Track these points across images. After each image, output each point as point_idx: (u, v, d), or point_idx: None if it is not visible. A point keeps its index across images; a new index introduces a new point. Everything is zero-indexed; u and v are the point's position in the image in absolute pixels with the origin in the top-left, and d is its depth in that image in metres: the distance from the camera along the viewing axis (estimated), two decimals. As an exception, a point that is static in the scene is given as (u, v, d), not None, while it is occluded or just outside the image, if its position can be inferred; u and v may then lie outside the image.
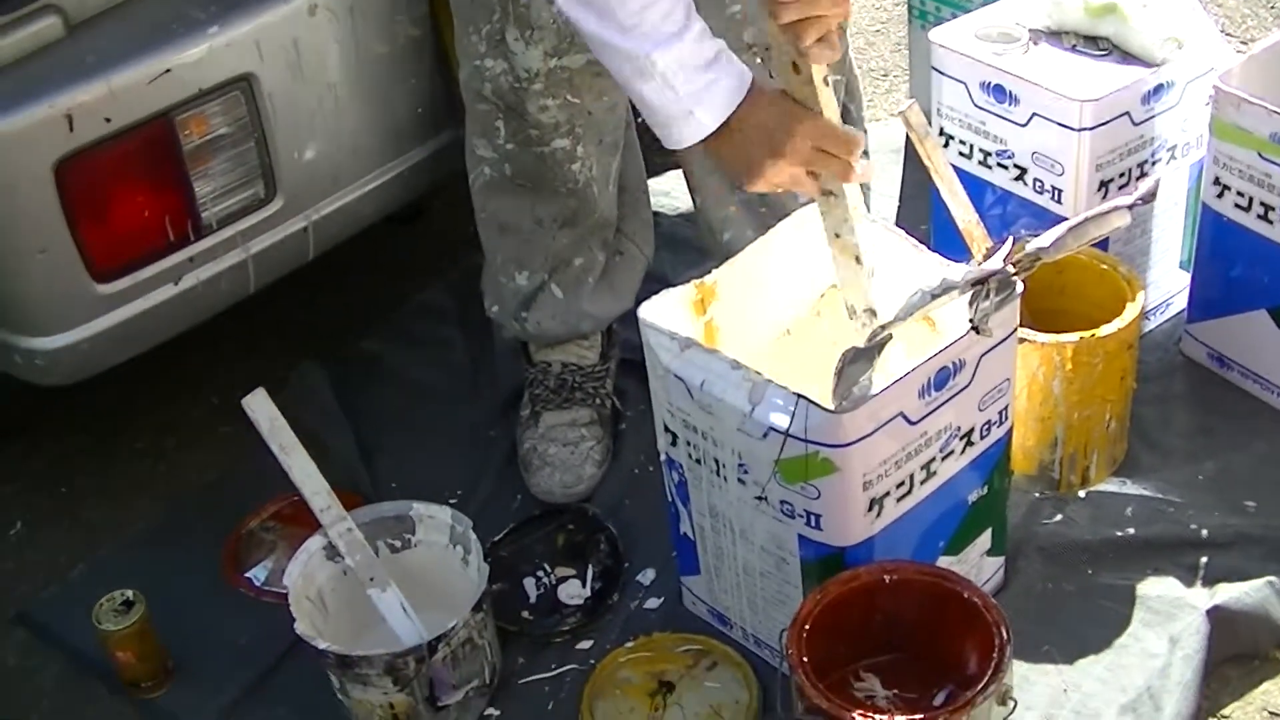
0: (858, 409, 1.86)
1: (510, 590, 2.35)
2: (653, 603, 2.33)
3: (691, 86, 1.89)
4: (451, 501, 2.47)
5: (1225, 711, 2.15)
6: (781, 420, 1.91)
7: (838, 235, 2.00)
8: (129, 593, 2.22)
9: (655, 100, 1.90)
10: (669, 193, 3.05)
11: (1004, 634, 1.90)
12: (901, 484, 2.00)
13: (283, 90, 2.26)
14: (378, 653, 2.06)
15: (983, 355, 2.00)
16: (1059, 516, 2.38)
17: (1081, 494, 2.41)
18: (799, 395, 1.90)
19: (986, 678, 1.85)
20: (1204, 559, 2.30)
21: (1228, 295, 2.51)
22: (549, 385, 2.53)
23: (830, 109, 1.94)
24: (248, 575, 2.42)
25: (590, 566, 2.37)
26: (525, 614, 2.32)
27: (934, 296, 1.77)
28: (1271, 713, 2.15)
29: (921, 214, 2.78)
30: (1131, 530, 2.35)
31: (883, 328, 1.81)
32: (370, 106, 2.39)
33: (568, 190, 2.37)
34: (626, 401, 2.64)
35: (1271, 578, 2.23)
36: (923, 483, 2.03)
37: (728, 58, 1.92)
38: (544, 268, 2.45)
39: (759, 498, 2.02)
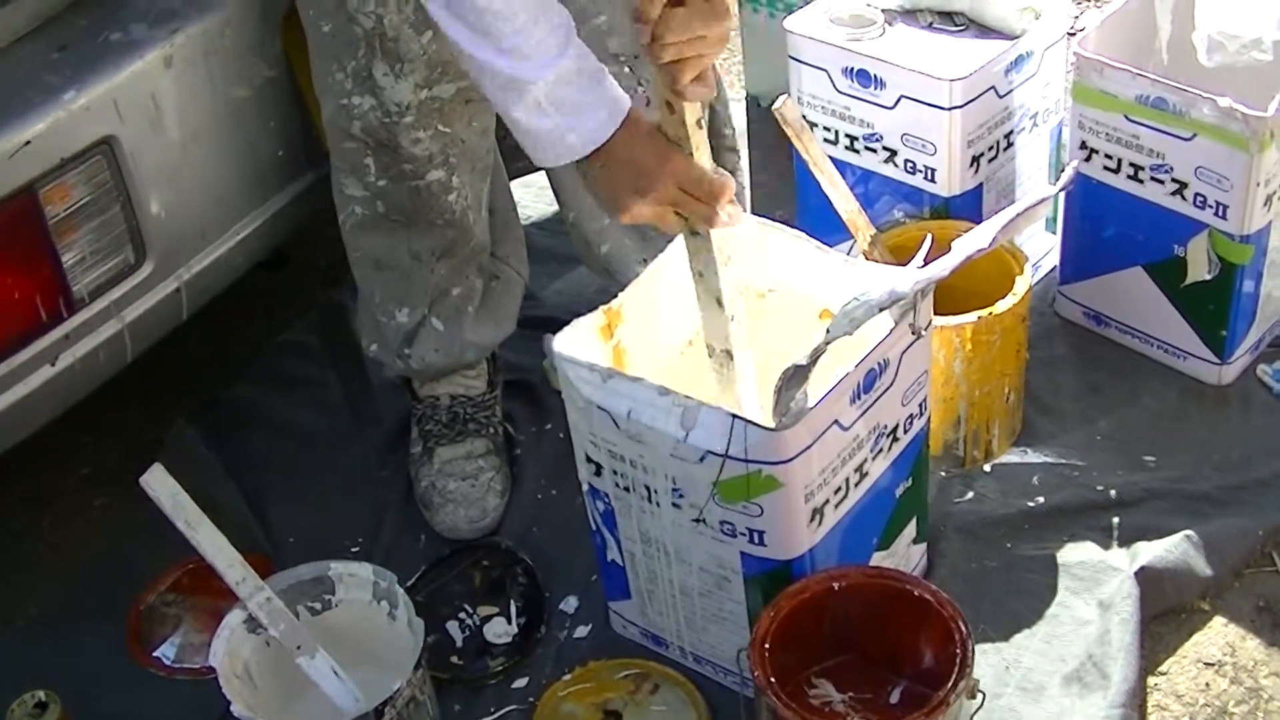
0: (797, 424, 1.85)
1: (434, 636, 2.28)
2: (581, 631, 2.29)
3: (565, 111, 1.82)
4: (354, 550, 2.43)
5: (1162, 668, 2.19)
6: (718, 442, 1.88)
7: (701, 275, 1.97)
8: (40, 693, 2.10)
9: (527, 123, 1.83)
10: (518, 201, 2.99)
11: (963, 628, 1.90)
12: (839, 489, 1.99)
13: (145, 149, 2.16)
14: None
15: (904, 352, 2.00)
16: (970, 494, 2.40)
17: (987, 468, 2.44)
18: (734, 416, 1.87)
19: (955, 674, 1.86)
20: (1116, 519, 2.34)
21: (1102, 255, 2.54)
22: (440, 420, 2.47)
23: (702, 150, 1.88)
24: (156, 654, 2.32)
25: (512, 602, 2.32)
26: (454, 659, 2.26)
27: (882, 307, 1.76)
28: (1206, 663, 2.19)
29: (780, 199, 2.77)
30: (1041, 499, 2.38)
31: (825, 342, 1.79)
32: (233, 154, 2.30)
33: (444, 221, 2.31)
34: (517, 425, 2.59)
35: (1187, 531, 2.28)
36: (857, 485, 2.02)
37: (609, 84, 1.86)
38: (424, 302, 2.39)
39: (696, 520, 1.99)
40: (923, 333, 1.97)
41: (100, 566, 2.48)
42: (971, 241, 1.81)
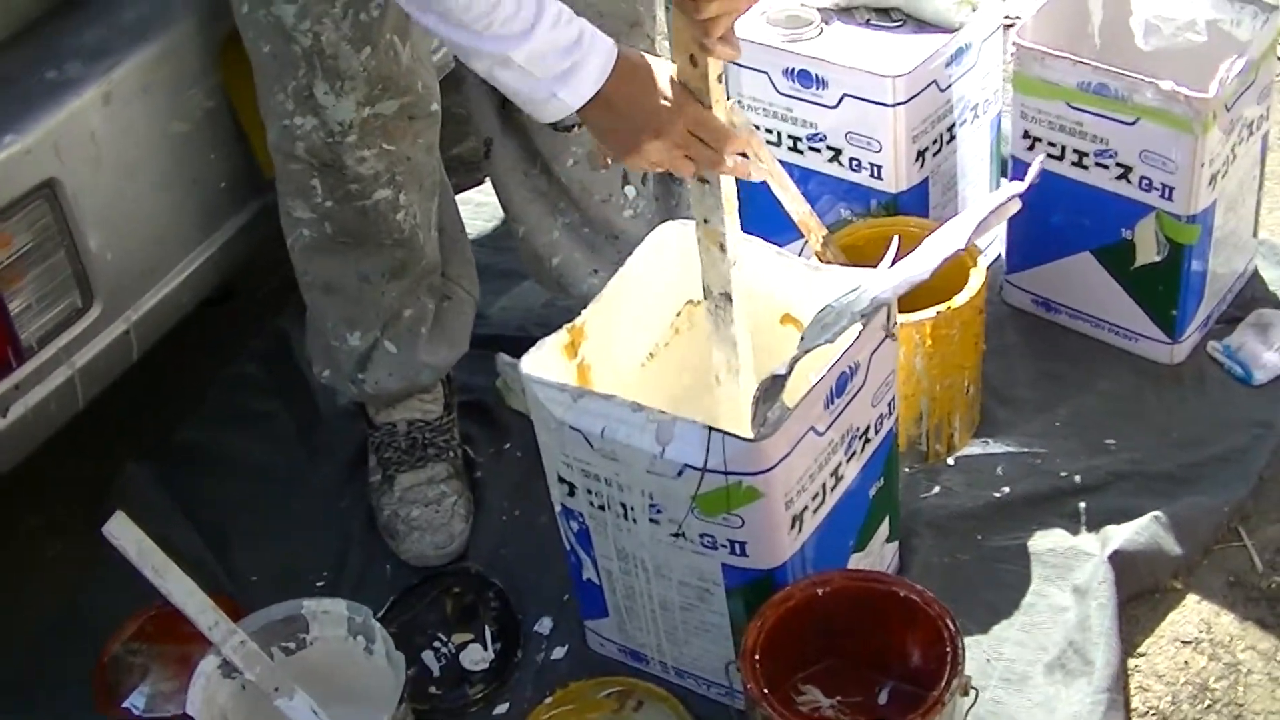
0: (775, 433, 1.84)
1: (411, 668, 2.24)
2: (558, 652, 2.26)
3: (551, 72, 1.85)
4: (320, 585, 2.39)
5: (1141, 649, 2.20)
6: (696, 456, 1.87)
7: (706, 221, 1.99)
8: (16, 761, 2.07)
9: (515, 86, 1.87)
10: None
11: (951, 625, 1.90)
12: (816, 495, 1.98)
13: (87, 190, 2.11)
14: None
15: (873, 353, 2.00)
16: (936, 488, 2.40)
17: (950, 461, 2.44)
18: (710, 429, 1.86)
19: (948, 672, 1.86)
20: (1083, 505, 2.35)
21: (1049, 242, 2.55)
22: (399, 446, 2.44)
23: (720, 104, 1.93)
24: (125, 704, 2.26)
25: (487, 627, 2.30)
26: (433, 689, 2.23)
27: (867, 314, 1.75)
28: (1183, 641, 2.21)
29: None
30: (1007, 489, 2.39)
31: (803, 351, 1.78)
32: (176, 189, 2.26)
33: (394, 241, 2.28)
34: (475, 447, 2.56)
35: (1155, 512, 2.29)
36: (833, 489, 2.02)
37: (590, 37, 1.87)
38: (376, 324, 2.36)
39: (676, 534, 1.98)
40: (894, 333, 1.97)
41: (59, 619, 2.41)
42: (948, 241, 1.81)
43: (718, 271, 2.05)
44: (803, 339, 1.85)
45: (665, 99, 1.90)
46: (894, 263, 1.88)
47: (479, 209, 2.96)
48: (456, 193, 2.61)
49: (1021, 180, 1.89)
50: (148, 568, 2.05)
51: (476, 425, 2.59)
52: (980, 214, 1.83)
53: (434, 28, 1.83)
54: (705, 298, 2.09)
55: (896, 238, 1.92)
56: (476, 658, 2.27)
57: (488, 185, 3.10)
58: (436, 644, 2.29)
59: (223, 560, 2.43)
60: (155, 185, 2.23)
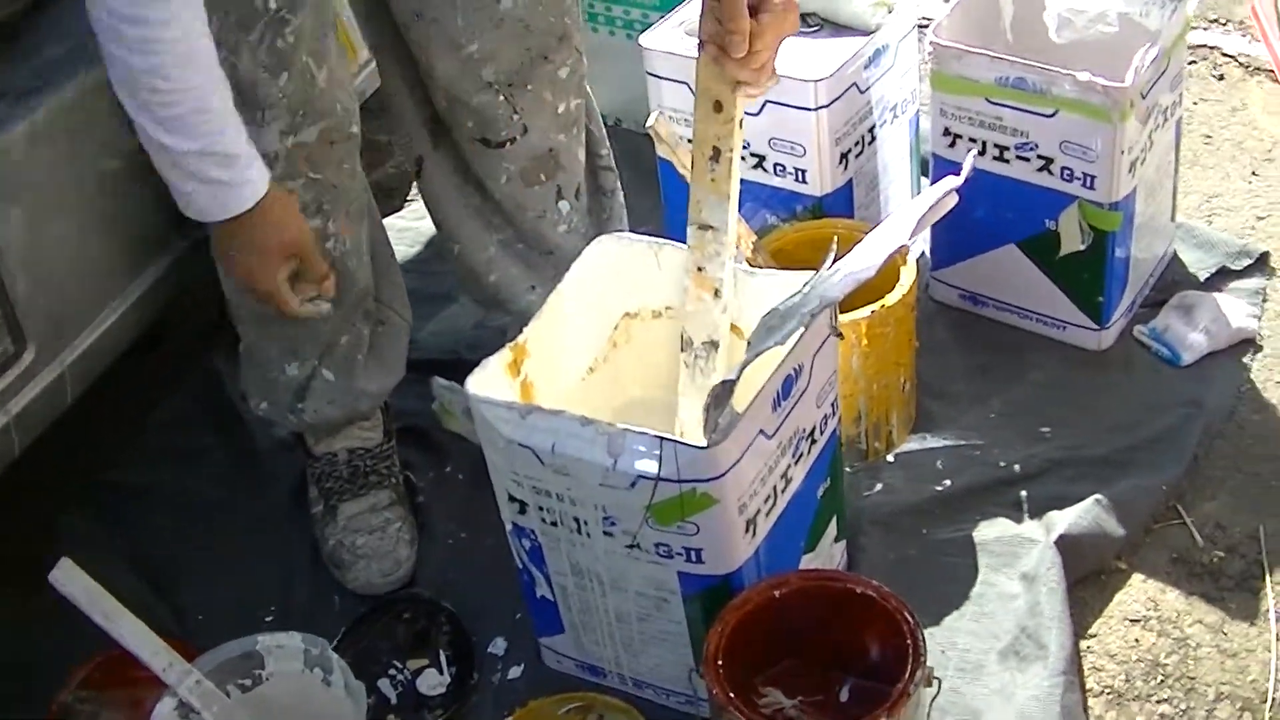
0: (727, 438, 1.85)
1: (369, 698, 2.23)
2: (514, 671, 2.26)
3: (205, 180, 1.94)
4: (268, 620, 2.37)
5: (1092, 630, 2.23)
6: (649, 466, 1.87)
7: (701, 269, 1.99)
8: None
9: (170, 181, 1.96)
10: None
11: (910, 618, 1.92)
12: (768, 498, 1.99)
13: (14, 232, 2.07)
14: None
15: (815, 354, 2.01)
16: (879, 485, 2.42)
17: (890, 458, 2.47)
18: (661, 438, 1.87)
19: (910, 664, 1.87)
20: (1024, 493, 2.38)
21: (973, 237, 2.59)
22: (340, 475, 2.42)
23: (737, 149, 2.03)
24: (79, 753, 2.25)
25: (441, 651, 2.29)
26: (391, 717, 2.22)
27: (815, 314, 1.76)
28: (1132, 620, 2.24)
29: (643, 216, 2.77)
30: (949, 482, 2.41)
31: (754, 355, 1.79)
32: (107, 228, 2.23)
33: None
34: (416, 472, 2.55)
35: (1096, 495, 2.33)
36: (783, 491, 2.03)
37: (249, 168, 1.96)
38: (314, 354, 2.35)
39: (630, 546, 1.98)
40: (839, 331, 1.98)
41: (4, 672, 2.36)
42: (890, 237, 1.83)
43: (706, 319, 2.06)
44: (750, 344, 1.86)
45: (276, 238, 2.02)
46: (834, 263, 1.90)
47: (401, 234, 2.95)
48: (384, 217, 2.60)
49: (956, 175, 1.91)
50: (98, 614, 2.03)
51: (416, 450, 2.58)
52: (920, 209, 1.85)
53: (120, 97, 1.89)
54: (683, 349, 2.10)
55: (835, 239, 1.93)
56: (433, 682, 2.26)
57: (409, 210, 3.13)
58: (392, 671, 2.27)
59: (168, 601, 2.40)
60: (85, 225, 2.20)
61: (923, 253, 2.74)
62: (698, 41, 1.98)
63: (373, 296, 2.40)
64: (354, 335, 2.37)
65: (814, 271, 1.93)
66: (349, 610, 2.36)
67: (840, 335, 1.94)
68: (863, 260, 1.81)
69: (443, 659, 2.28)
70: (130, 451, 2.68)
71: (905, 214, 1.88)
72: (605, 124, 2.52)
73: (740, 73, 1.95)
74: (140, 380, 2.69)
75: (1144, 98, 2.39)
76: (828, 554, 2.22)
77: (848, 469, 2.42)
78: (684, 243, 2.18)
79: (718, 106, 1.94)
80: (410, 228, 3.00)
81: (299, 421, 2.40)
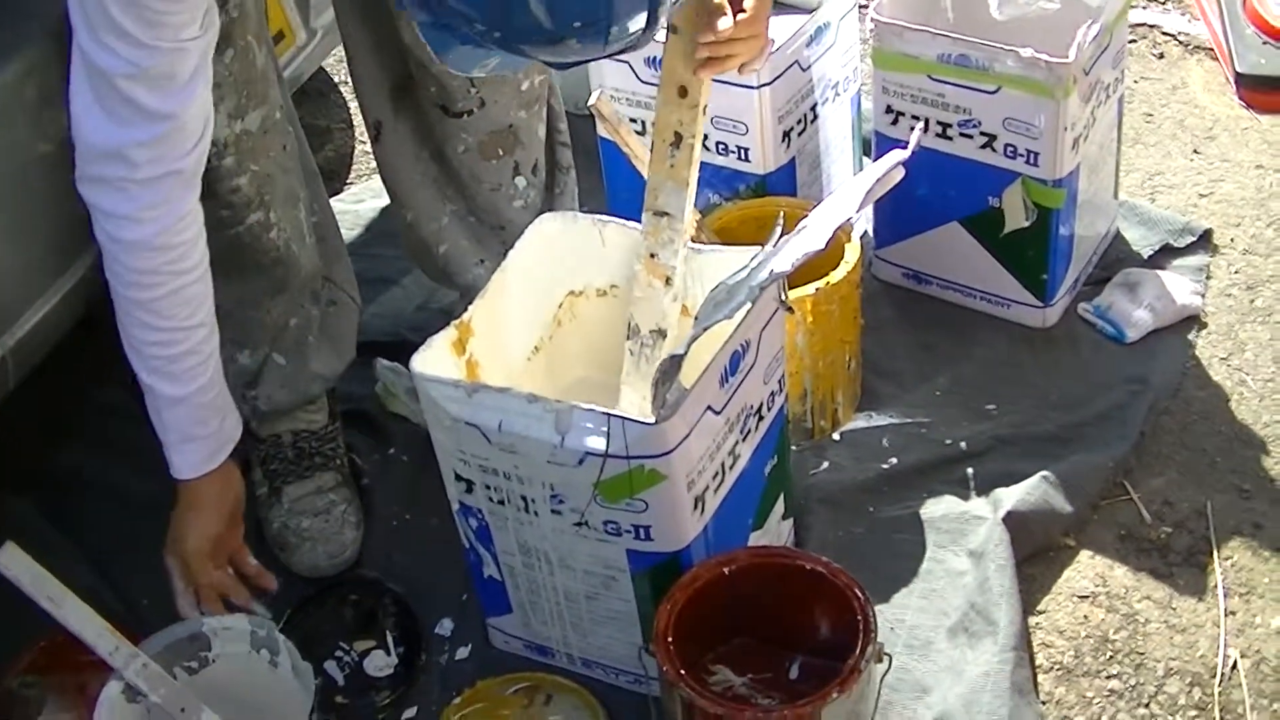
0: (675, 414, 1.84)
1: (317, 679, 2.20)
2: (462, 652, 2.24)
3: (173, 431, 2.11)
4: (213, 603, 2.35)
5: (1040, 607, 2.24)
6: (597, 442, 1.86)
7: (654, 255, 1.98)
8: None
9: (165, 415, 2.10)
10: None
11: (860, 594, 1.92)
12: (716, 475, 1.98)
13: (-51, 218, 2.05)
14: None
15: (763, 329, 2.01)
16: (825, 464, 2.42)
17: (836, 436, 2.46)
18: (609, 414, 1.85)
19: (861, 640, 1.87)
20: (970, 470, 2.38)
21: (916, 214, 2.58)
22: (285, 458, 2.40)
23: (698, 138, 2.02)
24: (22, 742, 2.22)
25: (388, 632, 2.27)
26: (339, 699, 2.21)
27: (764, 287, 1.75)
28: (1080, 596, 2.24)
29: (587, 194, 2.75)
30: (895, 460, 2.41)
31: (700, 329, 1.78)
32: (46, 211, 2.18)
33: (270, 261, 2.24)
34: (360, 454, 2.53)
35: (1044, 472, 2.33)
36: (731, 468, 2.02)
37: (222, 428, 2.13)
38: (265, 342, 2.33)
39: (579, 524, 1.97)
40: (788, 305, 1.97)
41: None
42: (838, 211, 1.82)
43: (654, 306, 2.05)
44: (697, 318, 1.84)
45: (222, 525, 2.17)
46: (780, 238, 1.89)
47: (341, 217, 2.88)
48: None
49: (904, 148, 1.90)
50: (42, 597, 2.00)
51: (359, 433, 2.56)
52: (867, 183, 1.84)
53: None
54: (629, 336, 2.08)
55: (781, 214, 1.93)
56: (380, 664, 2.24)
57: (348, 194, 3.10)
58: (339, 653, 2.26)
59: (112, 586, 2.37)
60: (24, 208, 2.16)
61: (865, 231, 2.74)
62: (667, 26, 1.96)
63: (322, 277, 2.38)
64: (303, 317, 2.35)
65: (760, 247, 1.92)
66: (293, 592, 2.33)
67: (790, 310, 1.93)
68: (811, 235, 1.80)
69: (390, 640, 2.26)
70: (73, 438, 2.64)
71: (852, 187, 1.87)
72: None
73: (703, 50, 1.94)
74: (80, 365, 2.66)
75: (1086, 74, 2.39)
76: (775, 531, 2.22)
77: (794, 447, 2.41)
78: (628, 221, 2.17)
79: (682, 92, 1.92)
80: (349, 210, 2.97)
81: (250, 410, 2.37)
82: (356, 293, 2.47)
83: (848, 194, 1.85)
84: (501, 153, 2.34)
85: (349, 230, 2.95)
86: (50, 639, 2.26)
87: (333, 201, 2.93)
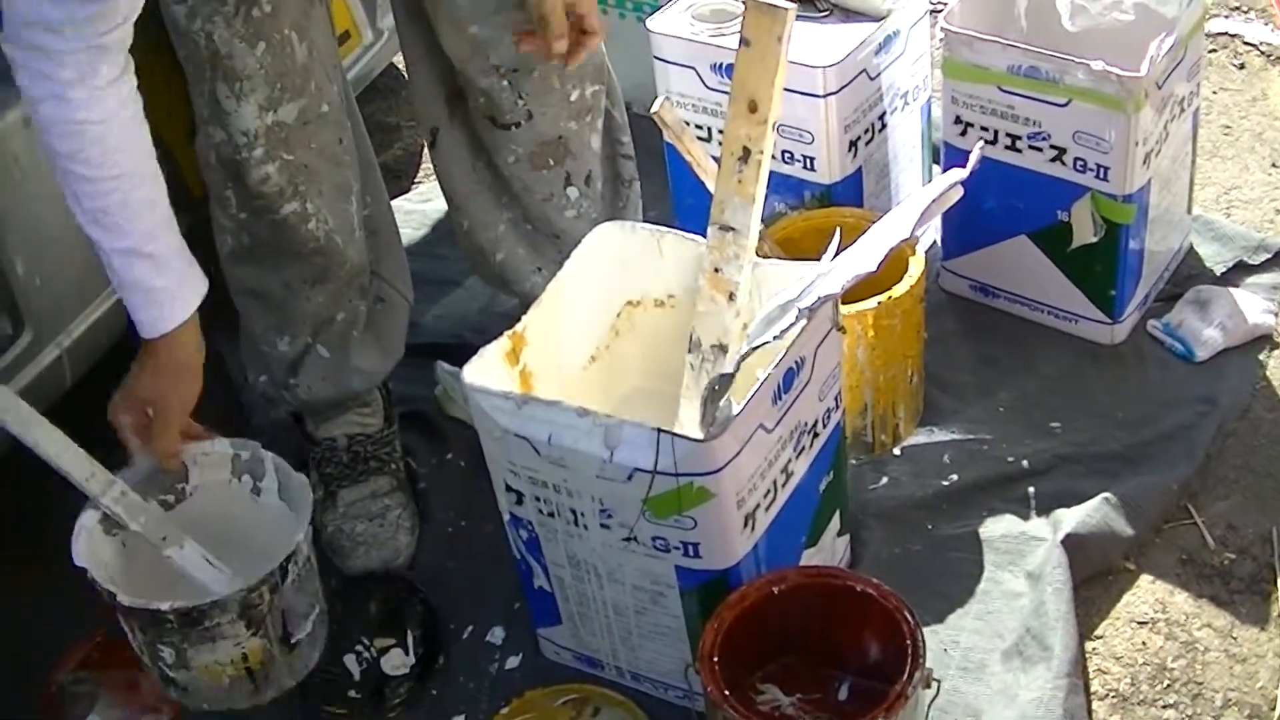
0: (725, 432, 1.82)
1: (331, 671, 2.22)
2: (512, 662, 2.23)
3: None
4: (266, 604, 2.36)
5: (1098, 632, 2.20)
6: (646, 459, 1.84)
7: (717, 270, 1.96)
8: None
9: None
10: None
11: (910, 619, 1.89)
12: (768, 493, 1.96)
13: (12, 214, 2.06)
14: (230, 594, 1.92)
15: (818, 346, 1.98)
16: (884, 479, 2.39)
17: (896, 451, 2.43)
18: (659, 430, 1.84)
19: (909, 666, 1.84)
20: (1031, 489, 2.35)
21: (985, 227, 2.55)
22: (340, 461, 2.40)
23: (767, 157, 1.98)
24: (73, 736, 2.23)
25: (410, 633, 2.26)
26: (351, 693, 2.21)
27: (812, 310, 1.72)
28: (1139, 622, 2.20)
29: (651, 200, 2.73)
30: (955, 476, 2.38)
31: (751, 348, 1.76)
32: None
33: (310, 250, 2.24)
34: (416, 458, 2.53)
35: (1105, 494, 2.29)
36: (784, 486, 2.00)
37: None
38: (306, 331, 2.33)
39: (627, 539, 1.95)
40: (840, 325, 1.95)
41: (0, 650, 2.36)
42: (892, 232, 1.79)
43: (717, 321, 2.02)
44: (749, 336, 1.83)
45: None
46: (836, 255, 1.87)
47: (408, 217, 2.92)
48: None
49: (961, 167, 1.87)
50: (9, 421, 1.96)
51: (417, 436, 2.56)
52: (923, 203, 1.81)
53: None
54: (690, 349, 2.07)
55: (838, 230, 1.90)
56: (397, 663, 2.24)
57: (415, 193, 3.10)
58: (359, 648, 2.26)
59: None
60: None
61: (933, 242, 2.71)
62: (739, 39, 1.93)
63: (370, 272, 2.38)
64: (350, 311, 2.35)
65: (817, 262, 1.90)
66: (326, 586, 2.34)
67: (842, 330, 1.90)
68: (864, 255, 1.77)
69: (410, 640, 2.26)
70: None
71: (909, 207, 1.84)
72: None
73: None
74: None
75: (1159, 87, 2.35)
76: (830, 549, 2.19)
77: (853, 461, 2.39)
78: (689, 231, 2.15)
79: (752, 106, 1.89)
80: (416, 210, 2.97)
81: (293, 397, 2.38)
82: (408, 289, 2.47)
83: (904, 214, 1.82)
84: (552, 163, 2.33)
85: (415, 230, 2.95)
86: (104, 635, 2.28)
87: (400, 200, 2.96)
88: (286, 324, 2.33)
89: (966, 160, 1.97)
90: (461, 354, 2.54)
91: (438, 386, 2.59)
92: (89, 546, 1.96)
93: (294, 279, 2.27)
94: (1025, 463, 2.38)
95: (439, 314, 2.76)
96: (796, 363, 1.94)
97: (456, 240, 2.53)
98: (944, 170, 2.57)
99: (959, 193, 1.85)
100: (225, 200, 2.19)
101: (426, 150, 2.48)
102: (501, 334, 2.04)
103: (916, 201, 1.84)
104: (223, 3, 2.01)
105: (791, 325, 1.72)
